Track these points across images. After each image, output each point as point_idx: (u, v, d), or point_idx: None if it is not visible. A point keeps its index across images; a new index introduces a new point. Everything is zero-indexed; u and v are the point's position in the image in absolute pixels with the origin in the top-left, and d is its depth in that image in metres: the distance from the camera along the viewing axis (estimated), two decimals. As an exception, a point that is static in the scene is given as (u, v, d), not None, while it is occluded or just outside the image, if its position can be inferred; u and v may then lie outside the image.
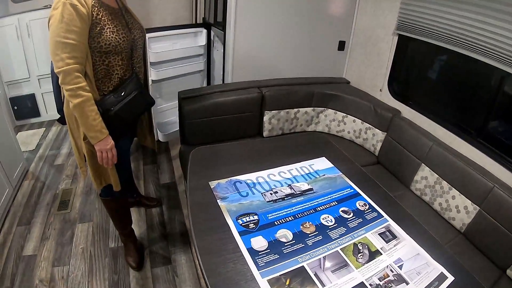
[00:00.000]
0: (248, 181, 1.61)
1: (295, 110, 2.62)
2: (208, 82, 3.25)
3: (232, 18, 2.48)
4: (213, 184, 1.56)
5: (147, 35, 2.42)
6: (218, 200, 1.45)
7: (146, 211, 2.71)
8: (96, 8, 1.50)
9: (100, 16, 1.51)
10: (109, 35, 1.53)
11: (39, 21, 3.82)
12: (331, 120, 2.71)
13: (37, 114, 4.37)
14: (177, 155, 2.91)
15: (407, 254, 1.29)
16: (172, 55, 2.84)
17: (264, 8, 2.55)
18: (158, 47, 2.70)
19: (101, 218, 2.66)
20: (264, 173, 1.68)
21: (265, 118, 2.55)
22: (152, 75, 2.67)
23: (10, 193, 2.87)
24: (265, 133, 2.60)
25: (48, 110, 4.38)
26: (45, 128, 4.25)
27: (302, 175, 1.71)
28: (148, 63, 2.54)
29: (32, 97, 4.26)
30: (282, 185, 1.61)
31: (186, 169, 1.78)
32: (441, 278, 1.20)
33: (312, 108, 2.66)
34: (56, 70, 1.44)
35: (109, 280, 2.14)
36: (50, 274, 2.22)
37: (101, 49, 1.54)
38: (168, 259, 2.28)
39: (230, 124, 2.48)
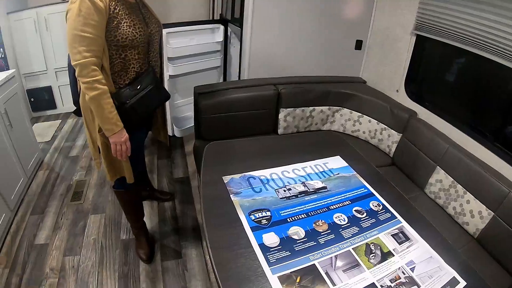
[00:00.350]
0: (262, 177, 1.60)
1: (311, 108, 2.60)
2: (224, 78, 3.25)
3: (250, 14, 2.47)
4: (226, 179, 1.56)
5: (166, 30, 2.42)
6: (231, 195, 1.45)
7: (158, 205, 2.73)
8: (113, 2, 1.51)
9: (117, 10, 1.52)
10: (126, 29, 1.54)
11: (57, 15, 3.89)
12: (347, 120, 2.69)
13: (53, 106, 4.43)
14: (191, 151, 2.91)
15: (419, 256, 1.27)
16: (190, 51, 2.84)
17: (281, 5, 2.53)
18: (176, 43, 2.70)
19: (114, 210, 2.68)
20: (278, 170, 1.68)
21: (281, 116, 2.54)
22: (170, 70, 2.67)
23: (25, 182, 2.92)
24: (280, 131, 2.59)
25: (65, 102, 4.45)
26: (61, 120, 4.30)
27: (316, 173, 1.69)
28: (166, 58, 2.53)
29: (49, 89, 4.32)
30: (295, 182, 1.60)
31: (200, 163, 1.78)
32: (453, 282, 1.18)
33: (327, 107, 2.64)
34: (73, 63, 1.45)
35: (119, 272, 2.16)
36: (61, 263, 2.25)
37: (118, 43, 1.55)
38: (179, 253, 2.28)
39: (245, 120, 2.47)
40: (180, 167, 3.25)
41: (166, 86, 2.46)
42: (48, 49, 4.12)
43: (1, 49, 3.99)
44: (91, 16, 1.41)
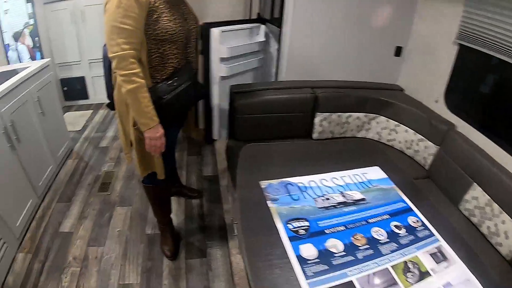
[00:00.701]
0: (300, 184, 1.56)
1: (347, 114, 2.54)
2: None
3: (290, 15, 2.43)
4: (264, 184, 1.52)
5: (220, 29, 2.38)
6: (268, 201, 1.41)
7: (186, 202, 2.71)
8: None
9: (157, 4, 1.51)
10: (166, 23, 1.53)
11: (93, 7, 3.95)
12: (383, 128, 2.61)
13: (85, 96, 4.52)
14: (222, 149, 2.89)
15: (457, 278, 1.20)
16: (240, 51, 2.75)
17: (322, 7, 2.48)
18: (229, 42, 2.62)
19: (141, 203, 2.68)
20: (316, 178, 1.62)
21: (316, 120, 2.48)
22: (223, 71, 2.61)
23: (54, 170, 2.96)
24: (314, 135, 2.53)
25: (97, 93, 4.52)
26: (92, 111, 4.38)
27: (355, 183, 1.64)
28: (217, 59, 2.47)
29: (81, 79, 4.41)
30: (334, 192, 1.55)
31: (232, 164, 1.76)
32: (489, 308, 1.12)
33: (364, 113, 2.57)
34: (110, 55, 1.44)
35: (142, 266, 2.16)
36: (85, 252, 2.27)
37: (157, 37, 1.54)
38: (204, 252, 2.26)
39: (280, 122, 2.43)
40: (209, 165, 3.21)
41: (216, 88, 2.41)
42: (83, 41, 4.20)
43: (37, 38, 4.08)
44: (131, 8, 1.40)
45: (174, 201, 2.65)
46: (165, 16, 1.53)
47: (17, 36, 4.44)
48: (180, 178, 2.78)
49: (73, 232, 2.45)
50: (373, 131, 2.65)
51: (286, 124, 2.45)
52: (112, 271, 2.14)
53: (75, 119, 4.09)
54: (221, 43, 2.44)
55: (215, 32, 2.35)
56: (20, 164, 2.40)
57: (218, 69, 2.52)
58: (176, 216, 2.54)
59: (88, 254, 2.26)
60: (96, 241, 2.36)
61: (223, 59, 2.57)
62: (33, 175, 2.60)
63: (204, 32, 2.02)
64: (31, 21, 4.23)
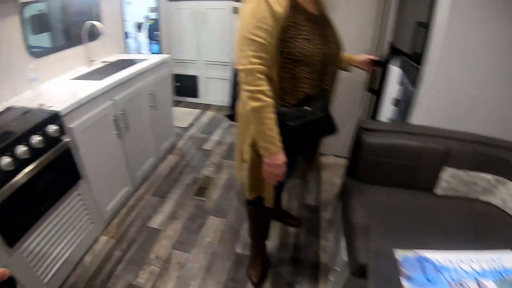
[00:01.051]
0: (436, 263, 1.36)
1: (474, 173, 2.23)
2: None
3: (437, 54, 2.19)
4: (399, 255, 1.34)
5: (396, 65, 2.22)
6: (401, 278, 1.24)
7: (282, 227, 2.52)
8: (292, 10, 1.37)
9: (296, 20, 1.37)
10: (303, 42, 1.38)
11: (216, 10, 4.02)
12: (510, 195, 2.27)
13: (195, 95, 4.68)
14: (328, 178, 2.76)
15: None
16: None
17: (472, 51, 2.20)
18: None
19: (236, 218, 2.60)
20: (452, 257, 1.41)
21: (445, 175, 2.21)
22: (391, 113, 2.39)
23: (153, 162, 3.06)
24: (438, 191, 2.25)
25: (207, 94, 4.66)
26: (200, 111, 4.49)
27: (490, 271, 1.38)
28: (391, 99, 2.29)
29: (194, 78, 4.57)
30: (469, 278, 1.32)
31: (345, 203, 1.63)
32: None
33: (493, 176, 2.25)
34: (238, 67, 1.35)
35: (223, 285, 2.07)
36: (168, 254, 2.26)
37: (290, 56, 1.40)
38: (291, 287, 2.08)
39: (404, 169, 2.20)
40: (312, 193, 2.94)
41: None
42: (202, 41, 4.33)
43: (156, 32, 4.34)
44: (265, 20, 1.29)
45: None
46: (303, 35, 1.39)
47: (139, 27, 4.78)
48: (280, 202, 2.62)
49: (161, 230, 2.46)
50: (498, 197, 2.30)
51: (410, 172, 2.20)
52: (192, 282, 2.08)
53: (182, 115, 4.24)
54: (398, 83, 2.26)
55: (395, 69, 2.15)
56: (123, 152, 2.52)
57: (388, 111, 2.34)
58: (270, 241, 2.38)
59: (171, 257, 2.24)
60: (183, 246, 2.33)
61: (393, 100, 2.36)
62: (133, 164, 2.70)
63: (382, 68, 1.82)
64: (151, 15, 4.51)
